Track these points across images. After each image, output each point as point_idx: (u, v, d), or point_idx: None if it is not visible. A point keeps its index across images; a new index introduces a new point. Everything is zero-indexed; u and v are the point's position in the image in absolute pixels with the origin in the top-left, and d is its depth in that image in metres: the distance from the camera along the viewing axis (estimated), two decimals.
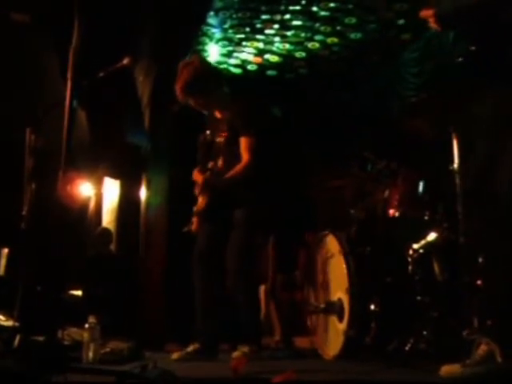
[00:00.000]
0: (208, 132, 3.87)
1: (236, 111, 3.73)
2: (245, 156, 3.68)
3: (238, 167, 3.68)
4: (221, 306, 3.78)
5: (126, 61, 3.61)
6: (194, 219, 3.84)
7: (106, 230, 6.73)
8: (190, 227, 3.84)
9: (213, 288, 3.75)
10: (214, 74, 3.82)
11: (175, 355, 3.64)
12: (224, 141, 3.74)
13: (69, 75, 2.57)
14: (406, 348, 3.48)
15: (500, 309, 2.30)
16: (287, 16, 6.82)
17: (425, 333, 3.51)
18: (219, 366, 3.31)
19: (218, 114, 3.84)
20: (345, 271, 3.78)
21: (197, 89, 3.64)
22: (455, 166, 3.37)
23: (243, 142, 3.68)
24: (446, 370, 2.32)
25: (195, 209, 3.82)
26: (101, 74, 3.50)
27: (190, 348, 3.66)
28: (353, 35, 7.15)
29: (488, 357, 2.26)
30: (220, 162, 3.76)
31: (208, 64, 3.94)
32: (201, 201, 3.77)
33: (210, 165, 3.81)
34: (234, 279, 3.66)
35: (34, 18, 5.42)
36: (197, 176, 3.84)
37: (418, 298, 3.66)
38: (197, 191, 3.83)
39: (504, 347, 2.24)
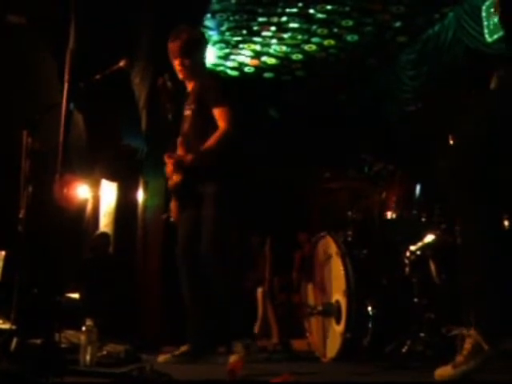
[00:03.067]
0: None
1: (210, 84, 3.71)
2: (221, 124, 3.57)
3: (215, 135, 3.57)
4: (210, 305, 3.66)
5: (122, 63, 3.62)
6: (173, 204, 3.78)
7: (104, 234, 6.74)
8: (170, 214, 3.78)
9: (199, 285, 3.66)
10: (205, 40, 3.91)
11: (161, 358, 3.58)
12: (191, 113, 3.71)
13: (66, 78, 2.58)
14: (403, 350, 3.48)
15: (474, 293, 2.29)
16: (284, 18, 6.83)
17: (422, 335, 3.51)
18: (216, 368, 3.31)
19: (189, 86, 3.79)
20: (342, 273, 3.78)
21: (192, 49, 3.68)
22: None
23: (218, 112, 3.58)
24: (439, 373, 2.31)
25: (170, 187, 3.73)
26: (97, 77, 3.50)
27: (178, 351, 3.60)
28: (349, 37, 7.16)
29: (476, 349, 2.24)
30: (189, 135, 3.71)
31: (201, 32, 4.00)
32: (175, 178, 3.69)
33: (179, 140, 3.72)
34: (206, 266, 3.56)
35: (31, 20, 5.43)
36: (168, 158, 3.68)
37: (415, 300, 3.67)
38: (168, 170, 3.69)
39: (486, 332, 2.22)
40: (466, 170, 2.30)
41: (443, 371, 2.29)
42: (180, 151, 3.70)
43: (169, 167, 3.65)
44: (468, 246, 2.34)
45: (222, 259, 3.57)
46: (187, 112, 3.76)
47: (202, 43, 3.81)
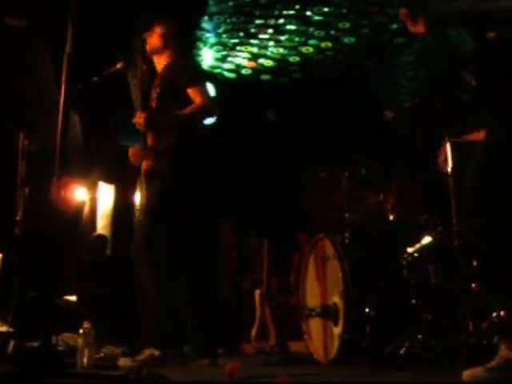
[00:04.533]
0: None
1: (185, 63, 3.70)
2: (197, 99, 3.53)
3: (192, 106, 3.52)
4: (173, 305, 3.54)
5: (119, 65, 3.62)
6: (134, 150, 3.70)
7: (101, 236, 6.73)
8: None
9: (157, 285, 3.54)
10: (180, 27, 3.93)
11: (121, 361, 3.40)
12: (158, 95, 3.67)
13: (63, 80, 2.57)
14: (401, 351, 3.48)
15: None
16: (281, 20, 6.83)
17: (419, 336, 3.51)
18: (214, 370, 3.30)
19: (158, 66, 3.77)
20: (340, 275, 3.78)
21: (169, 23, 3.69)
22: (449, 169, 3.37)
23: (194, 91, 3.54)
24: (469, 374, 2.29)
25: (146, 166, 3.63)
26: (94, 79, 3.50)
27: (142, 355, 3.43)
28: (346, 40, 7.17)
29: (509, 360, 2.23)
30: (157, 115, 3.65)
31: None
32: (145, 164, 3.61)
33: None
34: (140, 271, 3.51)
35: (29, 23, 5.42)
36: (138, 118, 3.56)
37: (413, 301, 3.67)
38: (138, 124, 3.57)
39: None
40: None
41: (473, 372, 2.28)
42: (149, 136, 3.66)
43: (139, 122, 3.54)
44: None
45: (155, 253, 3.50)
46: (154, 95, 3.72)
47: (177, 27, 3.80)
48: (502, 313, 3.33)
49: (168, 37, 3.71)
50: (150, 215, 3.55)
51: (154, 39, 3.72)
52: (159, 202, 3.55)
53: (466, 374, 2.30)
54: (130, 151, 3.75)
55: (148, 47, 3.74)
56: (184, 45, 3.93)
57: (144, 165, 3.61)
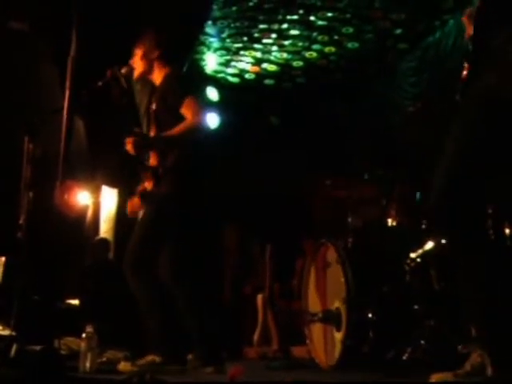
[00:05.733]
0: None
1: (171, 81, 3.60)
2: (188, 116, 3.44)
3: (181, 124, 3.42)
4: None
5: (123, 70, 3.63)
6: (134, 201, 3.63)
7: (103, 240, 6.74)
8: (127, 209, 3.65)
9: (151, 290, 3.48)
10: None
11: (121, 365, 3.37)
12: (155, 109, 3.60)
13: (67, 84, 2.58)
14: (404, 357, 3.47)
15: (490, 320, 2.26)
16: (285, 25, 6.84)
17: (422, 342, 3.51)
18: (216, 375, 3.30)
19: (155, 82, 3.72)
20: (342, 280, 3.78)
21: (152, 41, 3.63)
22: None
23: (184, 109, 3.45)
24: (438, 377, 2.30)
25: (139, 189, 3.58)
26: (99, 83, 3.51)
27: (143, 359, 3.39)
28: (350, 45, 7.17)
29: (480, 368, 2.23)
30: (152, 133, 3.59)
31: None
32: (147, 185, 3.53)
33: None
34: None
35: (32, 26, 5.44)
36: (128, 142, 3.47)
37: (416, 306, 3.67)
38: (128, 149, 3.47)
39: (494, 359, 2.20)
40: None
41: (442, 376, 2.28)
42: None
43: (128, 148, 3.45)
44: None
45: (145, 269, 3.45)
46: (151, 110, 3.65)
47: (160, 36, 3.70)
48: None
49: (150, 54, 3.64)
50: (144, 229, 3.52)
51: (137, 64, 3.66)
52: (156, 218, 3.51)
53: (435, 377, 2.30)
54: (129, 206, 3.70)
55: (136, 73, 3.68)
56: (176, 51, 3.87)
57: (147, 186, 3.57)
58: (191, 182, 3.51)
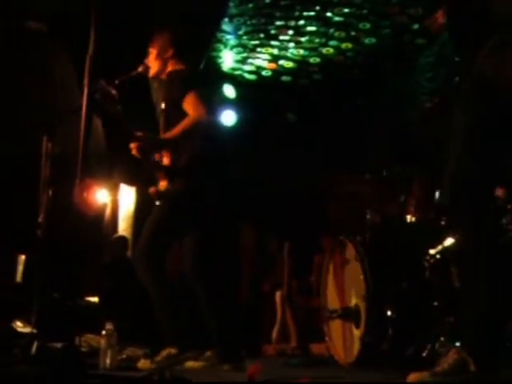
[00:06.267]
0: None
1: (181, 74, 3.59)
2: (190, 112, 3.40)
3: (182, 122, 3.40)
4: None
5: (140, 68, 3.64)
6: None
7: (121, 237, 6.77)
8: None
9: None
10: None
11: (141, 363, 3.38)
12: (163, 108, 3.59)
13: (85, 83, 2.59)
14: (424, 354, 3.45)
15: (478, 320, 2.22)
16: (301, 22, 6.82)
17: (442, 338, 3.48)
18: (235, 372, 3.30)
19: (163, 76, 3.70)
20: (361, 277, 3.77)
21: (166, 38, 3.63)
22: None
23: (187, 101, 3.42)
24: (414, 377, 2.25)
25: (155, 189, 3.56)
26: (116, 82, 3.52)
27: (160, 355, 3.40)
28: (367, 40, 7.14)
29: (458, 366, 2.18)
30: (164, 131, 3.57)
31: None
32: (162, 185, 3.52)
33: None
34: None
35: (50, 26, 5.47)
36: (132, 147, 3.47)
37: (435, 303, 3.64)
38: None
39: (477, 358, 2.16)
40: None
41: (419, 376, 2.24)
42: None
43: (134, 153, 3.46)
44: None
45: (153, 267, 3.45)
46: (161, 107, 3.64)
47: (174, 33, 3.69)
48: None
49: (164, 53, 3.63)
50: (155, 225, 3.52)
51: (151, 63, 3.66)
52: (168, 215, 3.51)
53: (412, 376, 2.25)
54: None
55: (151, 72, 3.68)
56: (191, 49, 3.85)
57: (162, 185, 3.56)
58: (204, 179, 3.51)
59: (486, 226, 2.25)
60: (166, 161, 3.57)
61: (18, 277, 5.14)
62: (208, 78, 3.92)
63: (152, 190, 3.57)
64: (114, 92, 3.42)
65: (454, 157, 2.31)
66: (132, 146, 3.45)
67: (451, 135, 2.36)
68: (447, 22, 2.47)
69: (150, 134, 3.58)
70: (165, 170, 3.52)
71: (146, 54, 3.69)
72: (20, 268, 5.10)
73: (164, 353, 3.41)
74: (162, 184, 3.53)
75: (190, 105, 3.42)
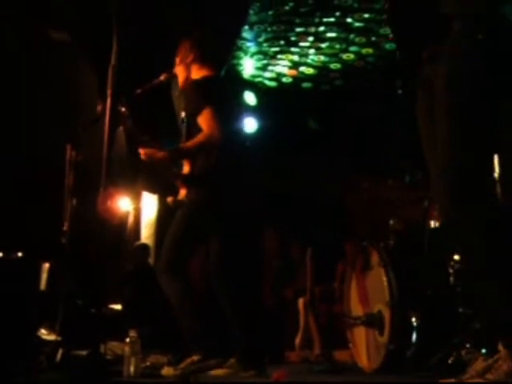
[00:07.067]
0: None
1: (193, 88, 3.57)
2: (203, 127, 3.40)
3: (196, 138, 3.41)
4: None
5: (162, 77, 3.66)
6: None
7: (143, 245, 6.80)
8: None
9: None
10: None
11: (165, 370, 3.36)
12: (183, 117, 3.60)
13: (108, 92, 2.61)
14: (449, 361, 3.42)
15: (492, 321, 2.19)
16: (321, 28, 6.82)
17: (468, 345, 3.45)
18: (260, 379, 3.29)
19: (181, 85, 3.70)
20: (385, 283, 3.74)
21: (190, 44, 3.64)
22: (496, 174, 3.30)
23: (203, 117, 3.41)
24: None
25: (173, 199, 3.56)
26: (139, 90, 3.54)
27: (184, 362, 3.38)
28: (388, 45, 7.12)
29: (486, 372, 2.15)
30: (183, 141, 3.59)
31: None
32: (182, 193, 3.53)
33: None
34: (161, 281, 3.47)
35: (73, 36, 5.53)
36: (142, 154, 3.50)
37: (460, 309, 3.61)
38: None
39: None
40: None
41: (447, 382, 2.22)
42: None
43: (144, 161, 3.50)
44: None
45: (177, 277, 3.45)
46: (181, 117, 3.68)
47: (197, 38, 3.70)
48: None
49: (185, 59, 3.64)
50: (174, 235, 3.54)
51: (178, 71, 3.68)
52: (186, 224, 3.51)
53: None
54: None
55: (180, 81, 3.69)
56: (213, 55, 3.84)
57: (181, 193, 3.58)
58: (222, 186, 3.51)
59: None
60: (185, 169, 3.59)
61: (43, 285, 5.18)
62: (228, 86, 3.91)
63: (169, 199, 3.59)
64: (122, 109, 3.43)
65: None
66: (141, 151, 3.47)
67: None
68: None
69: (159, 145, 3.60)
70: (183, 178, 3.54)
71: (168, 64, 3.71)
72: (44, 276, 5.13)
73: (188, 360, 3.41)
74: (181, 193, 3.55)
75: (204, 122, 3.42)
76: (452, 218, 2.25)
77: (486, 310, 2.21)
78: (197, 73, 3.65)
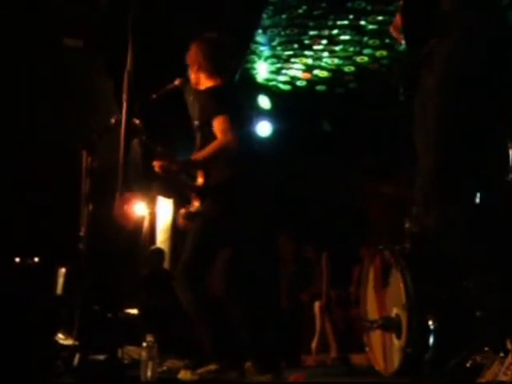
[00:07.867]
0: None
1: (212, 90, 3.57)
2: (218, 135, 3.38)
3: (210, 146, 3.39)
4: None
5: (177, 82, 3.66)
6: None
7: (158, 250, 6.82)
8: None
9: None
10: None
11: (181, 374, 3.38)
12: (198, 124, 3.57)
13: (124, 98, 2.62)
14: (467, 365, 3.39)
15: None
16: (335, 31, 6.82)
17: (486, 349, 3.42)
18: (277, 382, 3.28)
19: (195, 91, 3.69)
20: (401, 286, 3.72)
21: (200, 53, 3.61)
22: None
23: (216, 124, 3.40)
24: None
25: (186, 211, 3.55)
26: (153, 95, 3.55)
27: (203, 368, 3.37)
28: (402, 48, 7.09)
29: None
30: (198, 147, 3.56)
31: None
32: (196, 204, 3.51)
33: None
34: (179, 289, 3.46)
35: (87, 43, 5.56)
36: (155, 166, 3.49)
37: (478, 313, 3.58)
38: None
39: None
40: None
41: None
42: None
43: (158, 172, 3.49)
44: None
45: (191, 286, 3.43)
46: (196, 124, 3.63)
47: (208, 47, 3.64)
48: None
49: (193, 65, 3.61)
50: (191, 244, 3.53)
51: (192, 74, 3.68)
52: (201, 234, 3.49)
53: None
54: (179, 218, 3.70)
55: (193, 83, 3.69)
56: (224, 62, 3.82)
57: (194, 204, 3.57)
58: (235, 195, 3.50)
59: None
60: (199, 181, 3.58)
61: (59, 289, 5.20)
62: (240, 92, 3.90)
63: (182, 211, 3.58)
64: (137, 122, 3.42)
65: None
66: (155, 163, 3.46)
67: None
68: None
69: (174, 154, 3.59)
70: (198, 191, 3.53)
71: (182, 68, 3.71)
72: (61, 281, 5.16)
73: (206, 368, 3.40)
74: (195, 204, 3.54)
75: (219, 129, 3.41)
76: (427, 221, 2.26)
77: (492, 310, 2.20)
78: (204, 82, 3.65)
